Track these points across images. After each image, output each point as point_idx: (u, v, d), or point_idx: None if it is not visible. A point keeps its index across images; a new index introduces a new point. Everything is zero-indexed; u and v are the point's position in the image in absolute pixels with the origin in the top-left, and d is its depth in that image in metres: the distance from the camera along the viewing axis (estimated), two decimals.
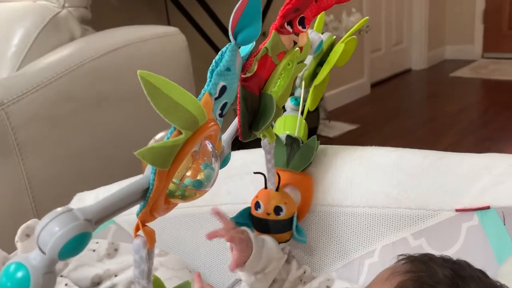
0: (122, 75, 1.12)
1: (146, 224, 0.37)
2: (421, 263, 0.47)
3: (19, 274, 0.29)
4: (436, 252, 0.59)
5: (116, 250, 0.70)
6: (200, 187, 0.37)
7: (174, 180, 0.36)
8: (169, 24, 1.90)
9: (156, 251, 0.70)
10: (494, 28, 3.44)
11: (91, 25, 1.35)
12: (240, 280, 0.71)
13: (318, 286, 0.60)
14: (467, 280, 0.44)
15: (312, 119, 2.47)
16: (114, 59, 1.11)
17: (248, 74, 0.45)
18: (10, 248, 0.66)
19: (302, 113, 0.74)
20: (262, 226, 0.64)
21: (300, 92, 0.75)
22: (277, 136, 0.70)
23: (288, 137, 0.70)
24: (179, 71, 1.26)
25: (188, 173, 0.39)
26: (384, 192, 0.65)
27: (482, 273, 0.46)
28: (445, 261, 0.47)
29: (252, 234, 0.60)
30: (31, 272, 0.29)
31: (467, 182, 0.62)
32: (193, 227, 0.76)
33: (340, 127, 2.63)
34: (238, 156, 0.75)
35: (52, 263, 0.29)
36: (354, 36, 0.73)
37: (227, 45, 0.40)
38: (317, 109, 2.56)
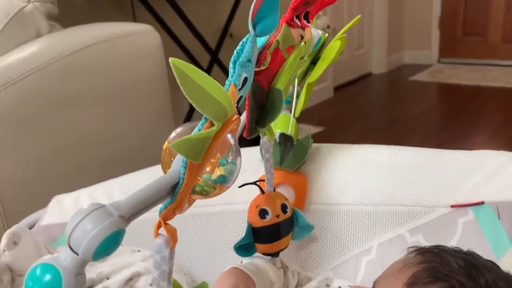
0: (95, 73, 1.08)
1: (168, 222, 0.35)
2: (433, 254, 0.47)
3: (48, 277, 0.26)
4: None
5: None
6: (224, 182, 0.36)
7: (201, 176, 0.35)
8: (135, 20, 1.85)
9: (147, 253, 0.67)
10: (450, 34, 3.58)
11: (58, 21, 1.30)
12: None
13: (317, 285, 0.59)
14: (481, 269, 0.44)
15: None
16: (86, 56, 1.06)
17: (263, 67, 0.44)
18: None
19: (295, 111, 0.73)
20: (273, 233, 0.60)
21: (290, 90, 0.74)
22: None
23: (282, 135, 0.69)
24: (154, 70, 1.22)
25: (207, 169, 0.37)
26: (378, 189, 0.66)
27: (492, 263, 0.47)
28: (457, 252, 0.47)
29: (246, 269, 0.56)
30: (62, 274, 0.26)
31: (461, 178, 0.63)
32: (185, 229, 0.74)
33: (306, 130, 2.66)
34: None
35: (84, 264, 0.27)
36: (344, 35, 0.73)
37: (247, 36, 0.38)
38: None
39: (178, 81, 0.30)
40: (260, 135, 0.61)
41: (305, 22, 0.51)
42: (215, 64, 1.94)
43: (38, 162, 0.98)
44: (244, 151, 0.76)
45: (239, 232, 0.71)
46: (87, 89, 1.08)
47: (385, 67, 3.59)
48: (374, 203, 0.65)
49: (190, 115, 1.97)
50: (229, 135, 0.37)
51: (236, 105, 0.40)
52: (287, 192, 0.67)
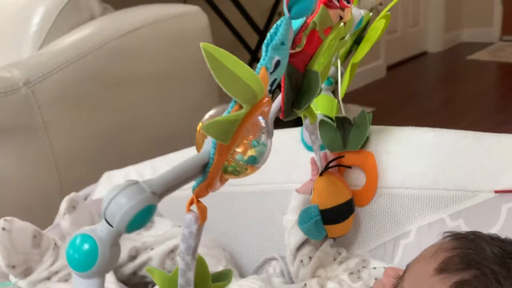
0: (143, 54, 1.12)
1: (200, 199, 0.37)
2: (468, 240, 0.46)
3: (86, 246, 0.29)
4: None
5: (152, 222, 0.70)
6: (254, 163, 0.37)
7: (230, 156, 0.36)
8: (185, 3, 1.88)
9: None
10: None
11: (110, 3, 1.34)
12: (270, 259, 0.71)
13: (354, 266, 0.60)
14: None
15: None
16: (136, 39, 1.10)
17: (298, 49, 0.44)
18: (37, 223, 0.65)
19: (336, 92, 0.73)
20: (347, 211, 0.64)
21: (333, 71, 0.73)
22: (326, 120, 0.68)
23: (338, 118, 0.68)
24: (201, 51, 1.24)
25: (239, 150, 0.38)
26: (420, 172, 0.65)
27: None
28: (493, 239, 0.46)
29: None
30: (98, 244, 0.28)
31: (506, 163, 0.60)
32: (228, 207, 0.76)
33: (356, 110, 2.62)
34: None
35: (119, 236, 0.29)
36: (389, 13, 0.71)
37: (281, 18, 0.39)
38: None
39: (208, 65, 0.31)
40: (302, 118, 0.61)
41: (344, 2, 0.51)
42: None
43: (92, 139, 1.03)
44: (284, 132, 0.77)
45: (275, 211, 0.72)
46: (137, 70, 1.12)
47: (442, 45, 3.44)
48: (416, 186, 0.65)
49: None
50: (260, 117, 0.38)
51: (269, 88, 0.41)
52: (357, 174, 0.68)
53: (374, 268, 0.59)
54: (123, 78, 1.10)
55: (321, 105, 0.73)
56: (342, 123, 0.68)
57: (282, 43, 0.38)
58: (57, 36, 1.16)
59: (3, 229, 0.56)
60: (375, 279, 0.59)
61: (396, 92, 2.80)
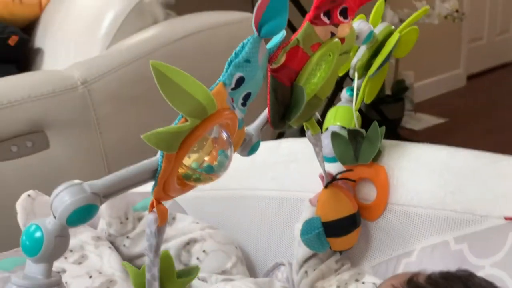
0: (194, 60, 1.17)
1: (161, 202, 0.40)
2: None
3: (36, 235, 0.33)
4: (477, 259, 0.56)
5: (173, 218, 0.75)
6: (210, 172, 0.39)
7: (188, 164, 0.39)
8: (253, 8, 1.92)
9: (205, 225, 0.74)
10: None
11: (176, 9, 1.43)
12: (280, 264, 0.73)
13: (348, 278, 0.60)
14: None
15: (395, 110, 2.37)
16: (189, 44, 1.16)
17: (274, 66, 0.46)
18: None
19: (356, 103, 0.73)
20: (350, 225, 0.64)
21: (358, 82, 0.73)
22: (338, 133, 0.69)
23: (350, 132, 0.68)
24: None
25: (206, 158, 0.41)
26: (430, 191, 0.63)
27: None
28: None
29: None
30: (44, 234, 0.33)
31: None
32: (243, 209, 0.79)
33: (427, 120, 2.51)
34: (286, 144, 0.76)
35: (63, 228, 0.33)
36: (415, 27, 0.70)
37: (249, 37, 0.41)
38: (402, 100, 2.45)
39: (155, 81, 0.34)
40: (305, 129, 0.62)
41: (340, 18, 0.51)
42: None
43: (140, 136, 1.11)
44: (301, 141, 0.78)
45: (288, 218, 0.74)
46: (188, 73, 1.18)
47: None
48: (424, 205, 0.63)
49: None
50: (223, 130, 0.40)
51: (241, 101, 0.43)
52: (368, 188, 0.68)
53: (363, 283, 0.59)
54: None
55: (340, 116, 0.74)
56: (355, 136, 0.68)
57: (247, 61, 0.40)
58: (122, 39, 1.26)
59: (28, 195, 0.64)
60: None
61: (474, 103, 2.64)
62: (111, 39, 1.28)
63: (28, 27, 1.56)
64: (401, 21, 2.07)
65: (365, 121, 0.72)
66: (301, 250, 0.66)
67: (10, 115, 0.95)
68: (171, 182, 0.38)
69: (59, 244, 0.33)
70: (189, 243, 0.73)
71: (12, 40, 1.44)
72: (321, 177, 0.68)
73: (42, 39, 1.50)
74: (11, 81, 1.02)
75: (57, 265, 0.64)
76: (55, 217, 0.33)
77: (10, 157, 0.96)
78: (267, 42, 0.46)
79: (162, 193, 0.39)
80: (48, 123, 0.99)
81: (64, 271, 0.63)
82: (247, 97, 0.43)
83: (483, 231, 0.58)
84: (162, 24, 1.27)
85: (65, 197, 0.32)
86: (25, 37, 1.48)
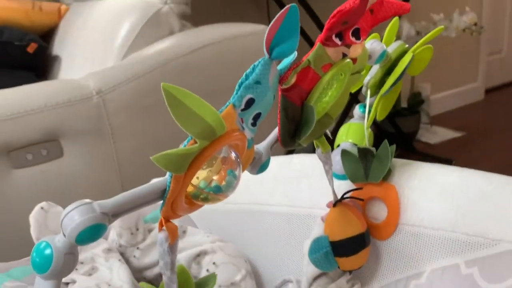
0: (208, 71, 1.19)
1: (170, 220, 0.40)
2: None
3: (47, 252, 0.34)
4: (488, 284, 0.55)
5: (184, 232, 0.75)
6: (218, 192, 0.40)
7: (196, 184, 0.39)
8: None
9: (216, 237, 0.74)
10: None
11: (192, 20, 1.44)
12: (288, 281, 0.72)
13: None
14: None
15: (411, 123, 2.36)
16: (202, 56, 1.17)
17: (285, 86, 0.46)
18: None
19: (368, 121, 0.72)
20: (358, 245, 0.64)
21: (371, 100, 0.73)
22: (348, 151, 0.69)
23: (360, 150, 0.68)
24: None
25: (215, 177, 0.41)
26: (441, 213, 0.62)
27: None
28: None
29: None
30: (54, 251, 0.33)
31: None
32: (253, 223, 0.79)
33: (443, 134, 2.48)
34: (299, 160, 0.76)
35: (72, 246, 0.34)
36: (430, 45, 0.69)
37: (260, 60, 0.41)
38: (417, 113, 2.43)
39: (166, 103, 0.35)
40: (315, 146, 0.62)
41: (352, 39, 0.51)
42: None
43: (153, 146, 1.12)
44: (314, 157, 0.78)
45: (298, 234, 0.73)
46: (202, 86, 1.19)
47: None
48: (435, 227, 0.62)
49: None
50: (232, 150, 0.41)
51: (252, 121, 0.44)
52: (378, 207, 0.67)
53: None
54: None
55: (352, 133, 0.73)
56: (365, 154, 0.68)
57: (257, 82, 0.41)
58: (138, 49, 1.28)
59: (41, 208, 0.65)
60: None
61: (491, 117, 2.61)
62: (127, 49, 1.30)
63: (47, 34, 1.59)
64: (418, 33, 2.06)
65: (380, 135, 0.71)
66: (311, 268, 0.66)
67: (26, 123, 0.97)
68: (179, 201, 0.38)
69: (68, 262, 0.34)
70: (199, 255, 0.73)
71: (31, 48, 1.47)
72: (329, 204, 0.68)
73: (60, 47, 1.53)
74: (28, 90, 1.04)
75: (68, 276, 0.65)
76: (64, 235, 0.33)
77: (26, 164, 0.98)
78: (278, 62, 0.46)
79: (171, 212, 0.39)
80: (63, 132, 1.01)
81: (74, 281, 0.64)
82: (257, 117, 0.44)
83: (495, 255, 0.57)
84: (178, 35, 1.29)
85: (75, 216, 0.33)
86: (43, 45, 1.51)
